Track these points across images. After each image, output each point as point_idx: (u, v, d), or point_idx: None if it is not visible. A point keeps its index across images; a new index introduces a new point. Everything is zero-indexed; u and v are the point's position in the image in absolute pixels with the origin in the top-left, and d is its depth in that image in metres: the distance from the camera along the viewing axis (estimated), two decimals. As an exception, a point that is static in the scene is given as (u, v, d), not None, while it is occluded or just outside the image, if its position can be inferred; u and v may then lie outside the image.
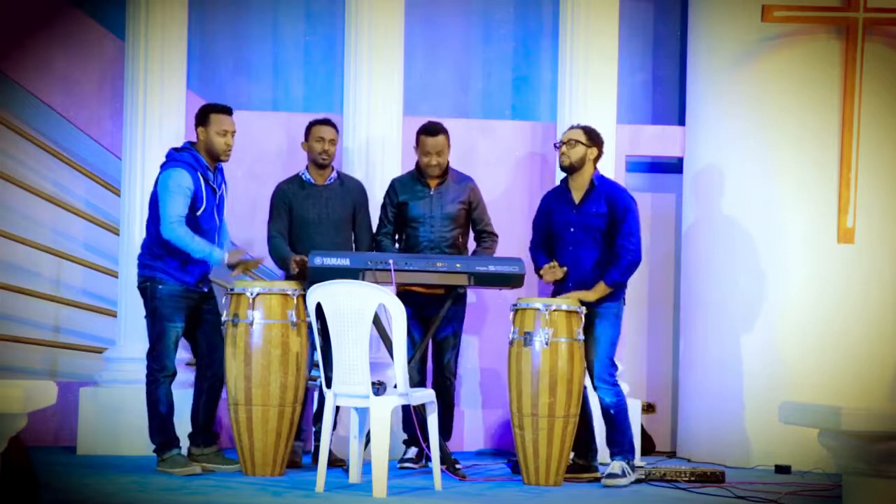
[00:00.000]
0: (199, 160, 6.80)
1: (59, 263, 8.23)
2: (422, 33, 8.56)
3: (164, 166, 6.82)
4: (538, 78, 8.79)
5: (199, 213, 6.75)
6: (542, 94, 8.76)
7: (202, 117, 6.86)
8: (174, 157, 6.81)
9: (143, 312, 6.90)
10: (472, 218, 7.36)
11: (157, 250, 6.76)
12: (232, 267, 6.86)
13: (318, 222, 7.23)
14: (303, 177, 7.30)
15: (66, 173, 8.26)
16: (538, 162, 8.41)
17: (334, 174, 7.34)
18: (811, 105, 7.80)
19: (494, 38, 8.79)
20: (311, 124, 7.31)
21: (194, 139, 6.89)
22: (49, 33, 8.09)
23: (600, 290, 6.85)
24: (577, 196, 6.98)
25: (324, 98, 8.56)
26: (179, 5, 7.74)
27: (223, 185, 6.97)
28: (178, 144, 7.11)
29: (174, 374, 6.82)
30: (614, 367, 6.90)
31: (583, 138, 6.95)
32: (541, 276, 7.06)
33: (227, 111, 6.90)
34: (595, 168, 7.00)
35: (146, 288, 6.80)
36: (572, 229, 6.96)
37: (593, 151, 6.96)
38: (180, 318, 6.79)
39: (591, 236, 6.92)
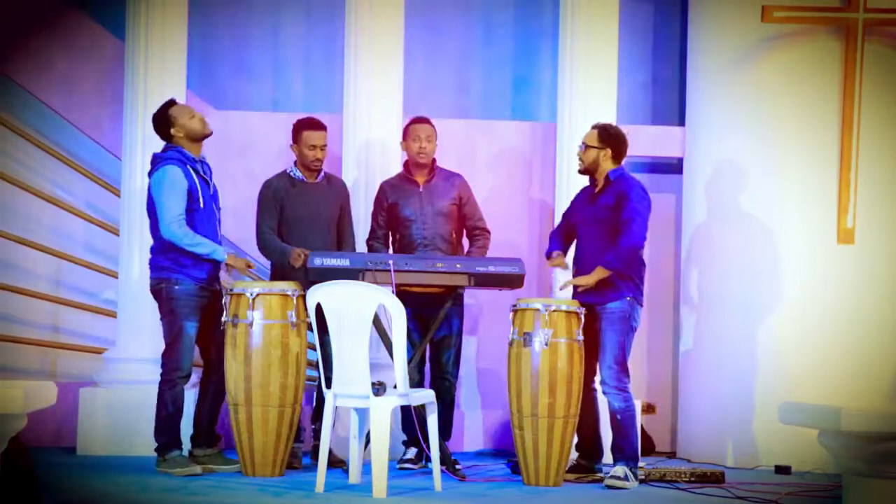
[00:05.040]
0: (186, 154, 6.78)
1: (58, 263, 8.23)
2: (422, 34, 8.55)
3: (153, 169, 6.80)
4: (538, 78, 8.79)
5: (200, 206, 6.74)
6: (542, 94, 8.76)
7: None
8: (161, 157, 6.80)
9: (153, 314, 6.90)
10: (464, 213, 7.36)
11: (168, 251, 6.74)
12: (229, 267, 6.83)
13: (310, 220, 7.17)
14: (292, 174, 7.23)
15: (66, 173, 8.26)
16: (538, 162, 8.41)
17: (322, 173, 7.31)
18: (811, 105, 7.79)
19: (494, 39, 8.78)
20: (302, 128, 7.20)
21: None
22: (49, 33, 8.10)
23: (597, 273, 6.79)
24: (596, 192, 6.99)
25: (324, 98, 8.55)
26: (179, 5, 7.74)
27: (212, 177, 6.96)
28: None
29: (189, 375, 6.79)
30: (624, 372, 6.80)
31: (594, 141, 6.93)
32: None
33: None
34: (616, 164, 6.93)
35: (161, 289, 6.76)
36: (585, 224, 6.97)
37: (606, 152, 6.90)
38: (196, 318, 6.76)
39: (600, 231, 6.87)
